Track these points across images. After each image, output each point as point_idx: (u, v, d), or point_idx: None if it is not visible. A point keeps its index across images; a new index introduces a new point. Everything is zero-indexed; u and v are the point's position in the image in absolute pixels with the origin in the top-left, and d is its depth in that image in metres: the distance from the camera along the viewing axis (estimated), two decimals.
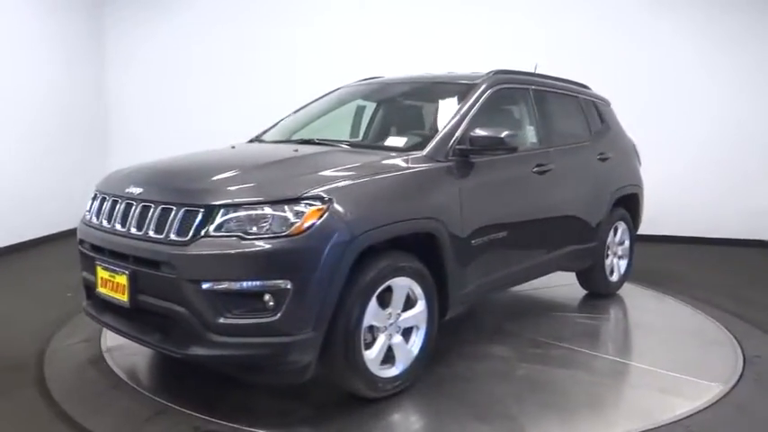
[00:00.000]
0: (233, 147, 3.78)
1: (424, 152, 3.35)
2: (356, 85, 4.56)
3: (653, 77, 7.44)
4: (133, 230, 2.89)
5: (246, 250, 2.63)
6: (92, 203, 3.28)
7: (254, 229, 2.67)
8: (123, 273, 2.87)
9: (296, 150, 3.44)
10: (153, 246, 2.78)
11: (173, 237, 2.73)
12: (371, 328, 3.01)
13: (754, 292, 5.42)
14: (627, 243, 5.27)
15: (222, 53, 8.10)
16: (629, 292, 5.26)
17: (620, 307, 4.97)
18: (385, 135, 4.07)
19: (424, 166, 3.27)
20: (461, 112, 3.62)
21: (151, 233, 2.81)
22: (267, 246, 2.64)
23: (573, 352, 3.81)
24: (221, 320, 2.66)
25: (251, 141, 4.24)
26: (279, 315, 2.66)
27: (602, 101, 5.26)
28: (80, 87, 7.83)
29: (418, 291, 3.19)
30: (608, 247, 5.00)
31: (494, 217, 3.65)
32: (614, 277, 5.16)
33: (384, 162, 3.21)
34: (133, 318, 2.96)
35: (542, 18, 7.61)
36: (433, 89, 4.16)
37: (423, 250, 3.24)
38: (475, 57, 7.16)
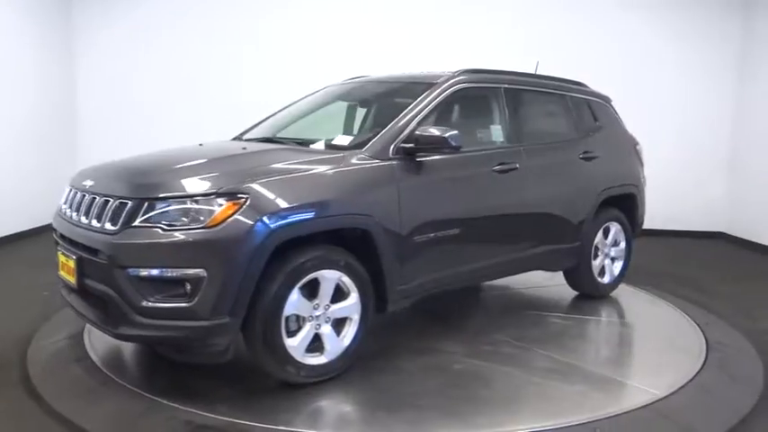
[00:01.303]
0: (200, 144, 4.03)
1: (362, 151, 3.47)
2: (337, 86, 4.71)
3: (629, 78, 7.53)
4: (82, 219, 3.20)
5: (165, 240, 2.87)
6: (64, 195, 3.64)
7: (175, 220, 2.91)
8: (72, 257, 3.19)
9: (244, 148, 3.65)
10: (92, 234, 3.07)
11: (107, 226, 3.01)
12: (298, 317, 3.18)
13: (716, 282, 5.72)
14: (622, 245, 5.14)
15: (194, 49, 7.97)
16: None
17: (603, 307, 4.87)
18: (349, 133, 4.21)
19: (357, 165, 3.39)
20: (411, 111, 3.71)
21: (93, 222, 3.10)
22: (184, 237, 2.87)
23: (525, 350, 3.82)
24: (145, 304, 2.91)
25: (234, 139, 4.48)
26: (195, 301, 2.88)
27: (599, 99, 5.15)
28: (48, 85, 7.63)
29: (350, 283, 3.32)
30: (597, 248, 4.92)
31: (442, 215, 3.71)
32: (606, 279, 5.06)
33: (317, 160, 3.36)
34: (84, 299, 3.28)
35: (538, 18, 7.84)
36: (399, 89, 4.24)
37: (359, 244, 3.37)
38: (478, 55, 7.18)
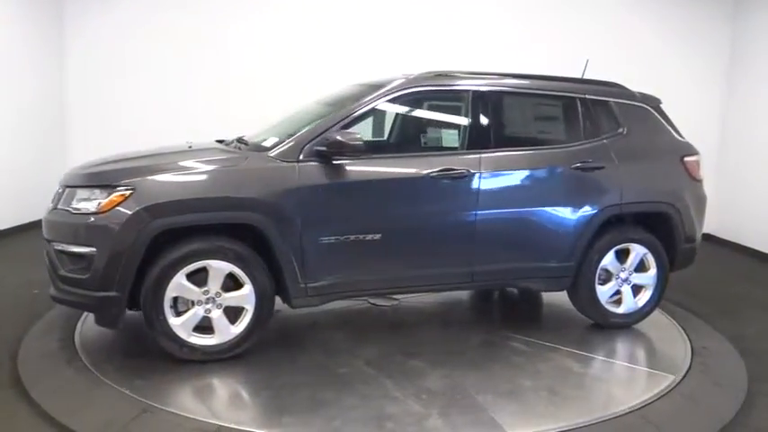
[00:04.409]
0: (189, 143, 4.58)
1: (269, 152, 3.69)
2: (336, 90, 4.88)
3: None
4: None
5: (67, 221, 3.51)
6: None
7: (79, 205, 3.51)
8: None
9: (190, 147, 4.11)
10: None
11: (49, 208, 3.75)
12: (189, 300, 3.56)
13: (702, 284, 5.51)
14: (653, 271, 4.41)
15: (187, 46, 7.69)
16: None
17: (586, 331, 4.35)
18: None
19: (255, 165, 3.62)
20: (332, 115, 3.81)
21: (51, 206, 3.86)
22: (79, 220, 3.47)
23: (431, 368, 3.62)
24: (62, 273, 3.56)
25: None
26: (89, 275, 3.45)
27: (635, 102, 4.46)
28: (39, 82, 7.45)
29: (242, 275, 3.59)
30: (607, 272, 4.33)
31: (358, 218, 3.75)
32: (621, 308, 4.40)
33: (220, 160, 3.68)
34: None
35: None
36: (361, 94, 4.26)
37: (262, 239, 3.61)
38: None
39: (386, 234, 3.79)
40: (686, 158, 4.49)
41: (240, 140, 4.28)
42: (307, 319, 4.36)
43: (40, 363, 3.63)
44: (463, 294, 5.17)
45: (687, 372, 3.72)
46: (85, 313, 4.12)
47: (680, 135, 4.61)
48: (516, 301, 5.19)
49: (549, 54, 7.09)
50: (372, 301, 4.76)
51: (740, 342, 4.28)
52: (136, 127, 7.53)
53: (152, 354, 3.58)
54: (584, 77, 4.56)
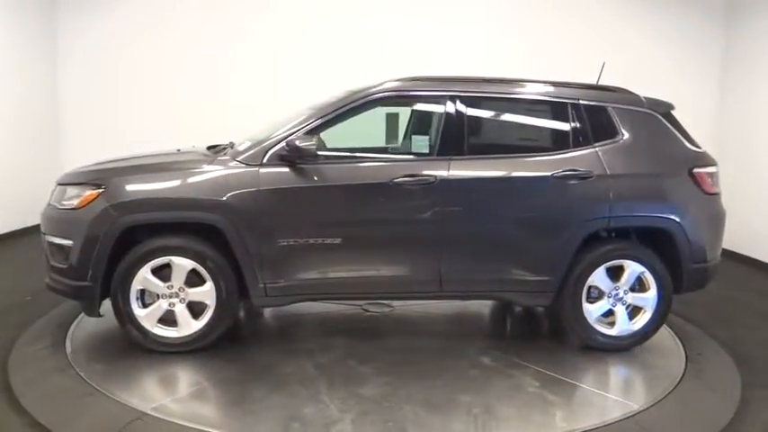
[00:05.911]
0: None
1: (236, 156, 3.83)
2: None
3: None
4: None
5: (55, 215, 3.87)
6: None
7: (64, 202, 3.85)
8: None
9: (178, 150, 4.35)
10: None
11: (46, 203, 4.14)
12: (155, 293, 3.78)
13: (696, 292, 4.79)
14: (652, 292, 4.04)
15: (179, 50, 7.67)
16: None
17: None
18: None
19: (219, 168, 3.78)
20: (298, 120, 3.90)
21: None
22: (63, 215, 3.80)
23: (376, 374, 3.58)
24: (51, 263, 3.93)
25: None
26: (68, 265, 3.77)
27: (640, 108, 4.12)
28: (31, 86, 7.41)
29: (204, 272, 3.76)
30: (597, 290, 4.03)
31: (317, 222, 3.80)
32: (614, 330, 4.07)
33: (186, 162, 3.88)
34: None
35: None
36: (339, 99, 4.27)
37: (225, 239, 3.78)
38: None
39: (345, 238, 3.81)
40: (696, 170, 4.09)
41: (231, 145, 4.48)
42: (292, 319, 4.47)
43: (31, 370, 3.62)
44: (482, 305, 5.00)
45: (681, 378, 3.71)
46: (76, 320, 4.32)
47: (693, 144, 4.21)
48: (534, 315, 4.93)
49: (538, 60, 6.88)
50: (366, 306, 4.77)
51: (735, 349, 4.29)
52: (132, 131, 7.48)
53: (143, 361, 3.69)
54: (583, 83, 4.29)
